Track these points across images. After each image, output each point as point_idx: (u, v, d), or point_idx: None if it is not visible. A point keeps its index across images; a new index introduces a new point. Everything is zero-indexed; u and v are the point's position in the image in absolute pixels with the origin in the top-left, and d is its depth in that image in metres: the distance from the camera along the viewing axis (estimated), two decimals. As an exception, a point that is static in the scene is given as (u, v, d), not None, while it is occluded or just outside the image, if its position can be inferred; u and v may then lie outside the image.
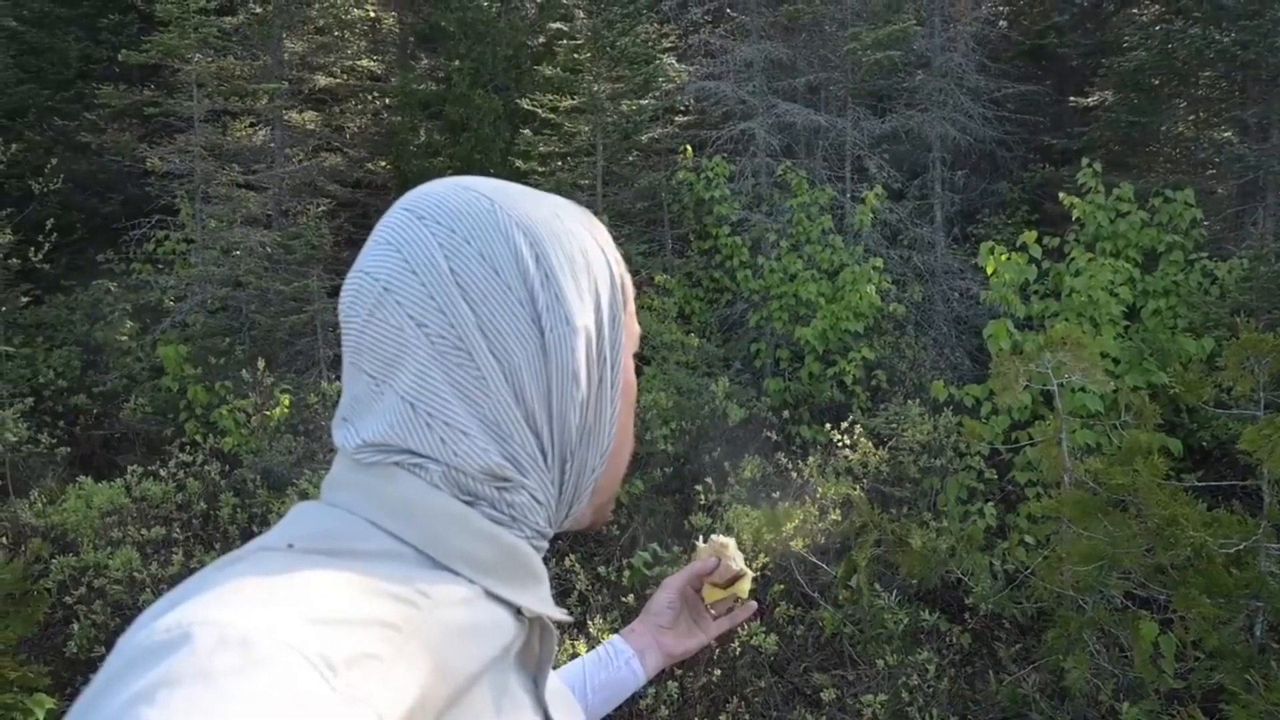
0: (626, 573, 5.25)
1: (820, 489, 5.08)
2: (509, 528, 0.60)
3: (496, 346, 0.58)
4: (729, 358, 8.31)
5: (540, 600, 0.62)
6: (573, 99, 8.71)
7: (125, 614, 4.32)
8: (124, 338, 9.28)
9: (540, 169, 8.65)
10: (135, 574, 4.31)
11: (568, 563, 4.88)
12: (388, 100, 12.19)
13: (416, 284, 0.58)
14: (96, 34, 11.12)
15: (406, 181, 10.94)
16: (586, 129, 8.57)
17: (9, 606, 3.78)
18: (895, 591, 4.52)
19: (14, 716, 3.49)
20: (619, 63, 8.55)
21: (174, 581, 4.24)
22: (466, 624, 0.55)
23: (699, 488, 5.25)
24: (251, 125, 10.75)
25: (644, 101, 8.77)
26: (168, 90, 9.32)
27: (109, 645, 4.23)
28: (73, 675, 4.22)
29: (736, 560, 1.05)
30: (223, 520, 5.37)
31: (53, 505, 5.06)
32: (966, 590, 4.54)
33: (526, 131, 8.72)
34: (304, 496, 5.40)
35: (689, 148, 8.92)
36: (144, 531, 4.92)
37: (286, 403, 6.97)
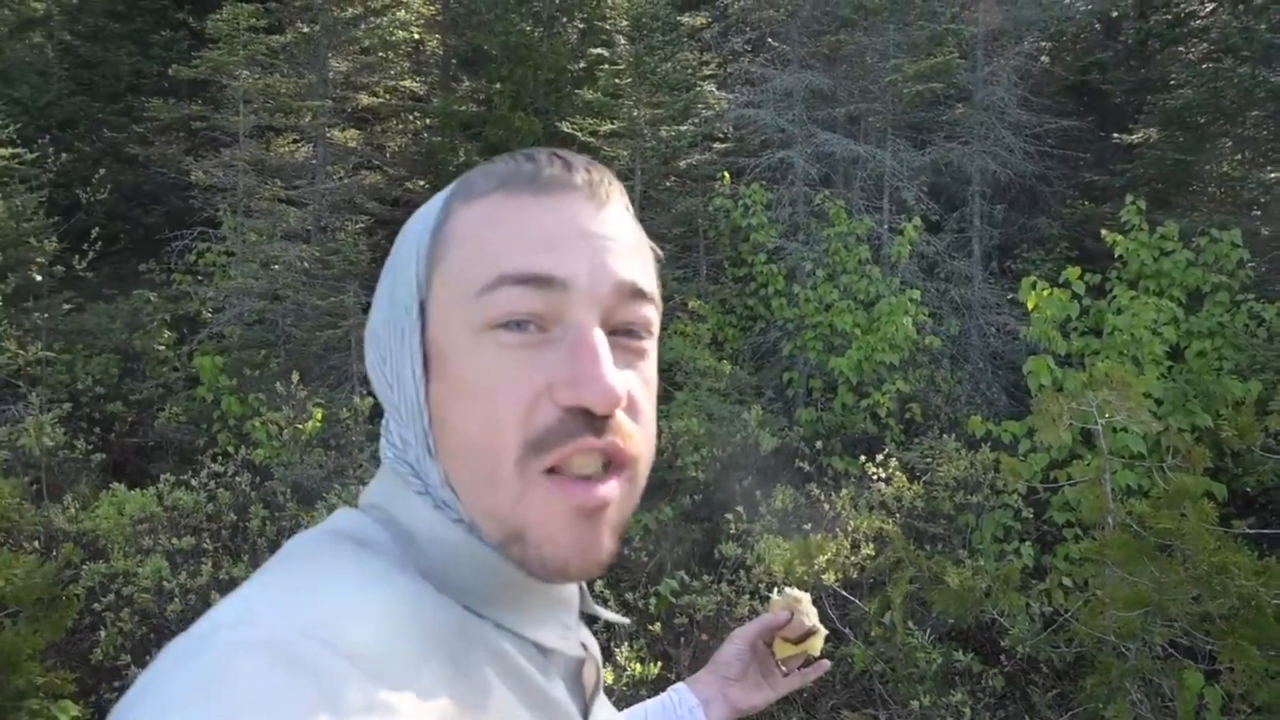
0: (653, 600, 5.19)
1: (853, 522, 4.99)
2: (492, 550, 0.55)
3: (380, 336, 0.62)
4: (761, 386, 8.25)
5: (544, 628, 0.58)
6: (612, 123, 8.77)
7: (152, 622, 4.33)
8: (161, 347, 9.43)
9: (577, 192, 8.70)
10: (164, 583, 4.32)
11: (595, 588, 4.82)
12: (428, 120, 12.35)
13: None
14: (148, 49, 11.41)
15: (443, 201, 11.05)
16: (625, 153, 8.61)
17: (39, 611, 3.80)
18: (929, 630, 4.41)
19: (39, 721, 3.49)
20: (659, 89, 8.60)
21: (201, 592, 4.24)
22: (489, 652, 0.53)
23: (729, 516, 5.18)
24: (295, 142, 10.94)
25: (683, 128, 8.80)
26: (215, 105, 9.52)
27: (135, 653, 4.25)
28: (98, 682, 4.22)
29: (810, 616, 1.02)
30: (252, 532, 5.38)
31: (85, 511, 5.11)
32: (1001, 631, 4.41)
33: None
34: (331, 511, 5.41)
35: (727, 174, 8.94)
36: (174, 541, 4.95)
37: (319, 416, 7.00)
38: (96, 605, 4.32)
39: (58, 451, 5.96)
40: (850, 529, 4.92)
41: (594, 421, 0.52)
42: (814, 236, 8.55)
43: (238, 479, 5.91)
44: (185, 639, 0.44)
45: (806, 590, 3.74)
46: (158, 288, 9.27)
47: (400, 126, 12.54)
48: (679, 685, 1.02)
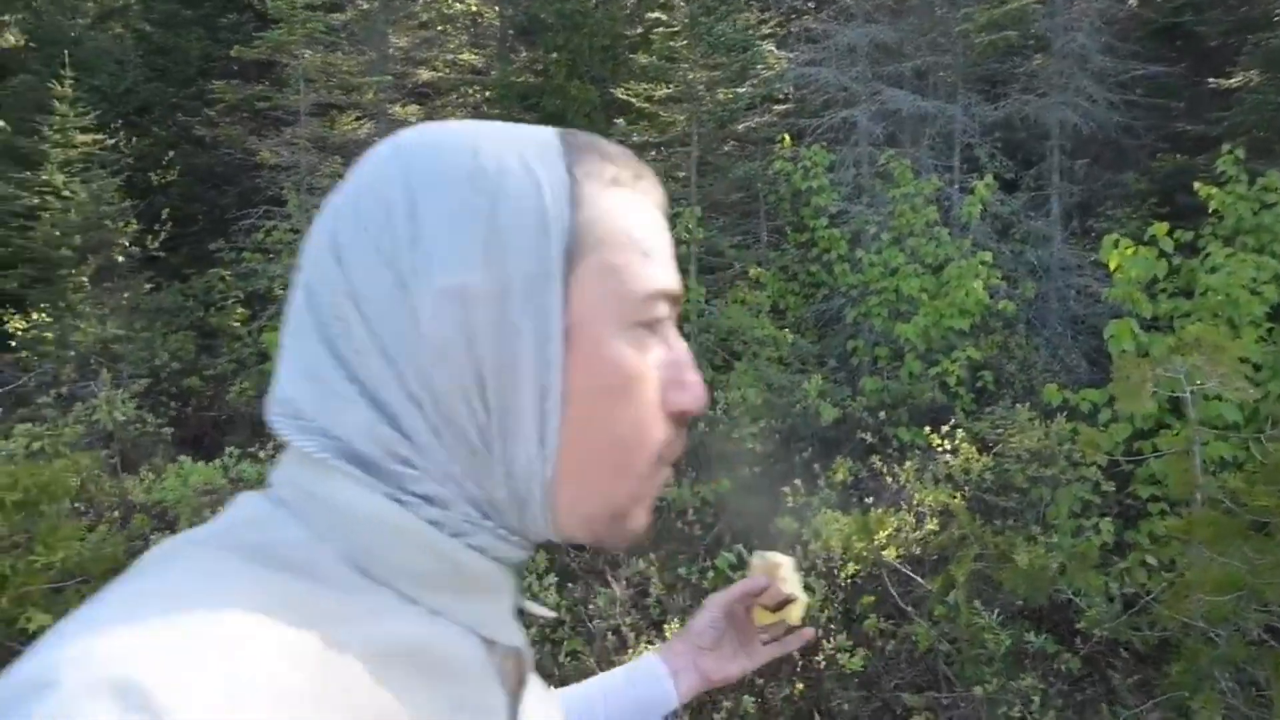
0: (710, 574, 5.09)
1: (917, 496, 4.78)
2: (439, 526, 0.52)
3: (367, 314, 0.51)
4: (824, 354, 8.01)
5: (492, 620, 0.54)
6: (668, 88, 8.56)
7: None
8: (236, 324, 9.72)
9: (634, 159, 8.56)
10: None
11: (642, 564, 4.74)
12: (487, 93, 12.33)
13: (312, 248, 0.54)
14: (216, 33, 11.64)
15: (503, 173, 11.04)
16: (682, 118, 8.41)
17: (109, 581, 3.92)
18: (997, 609, 4.19)
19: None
20: (716, 50, 8.34)
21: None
22: (407, 643, 0.49)
23: (786, 490, 5.02)
24: (357, 119, 11.06)
25: (741, 90, 8.54)
26: (278, 85, 9.66)
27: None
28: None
29: (790, 582, 0.95)
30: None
31: (156, 483, 5.26)
32: (1078, 612, 4.16)
33: (620, 121, 8.61)
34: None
35: (787, 137, 8.64)
36: (239, 511, 5.06)
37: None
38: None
39: (129, 426, 6.16)
40: (914, 503, 4.71)
41: (685, 424, 0.57)
42: (879, 199, 8.21)
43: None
44: None
45: (867, 563, 3.56)
46: (229, 266, 9.52)
47: (460, 100, 12.55)
48: (649, 654, 0.97)
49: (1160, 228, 5.56)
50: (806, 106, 9.07)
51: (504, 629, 0.55)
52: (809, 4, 10.04)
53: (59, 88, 9.55)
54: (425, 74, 12.04)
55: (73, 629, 0.40)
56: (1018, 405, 5.82)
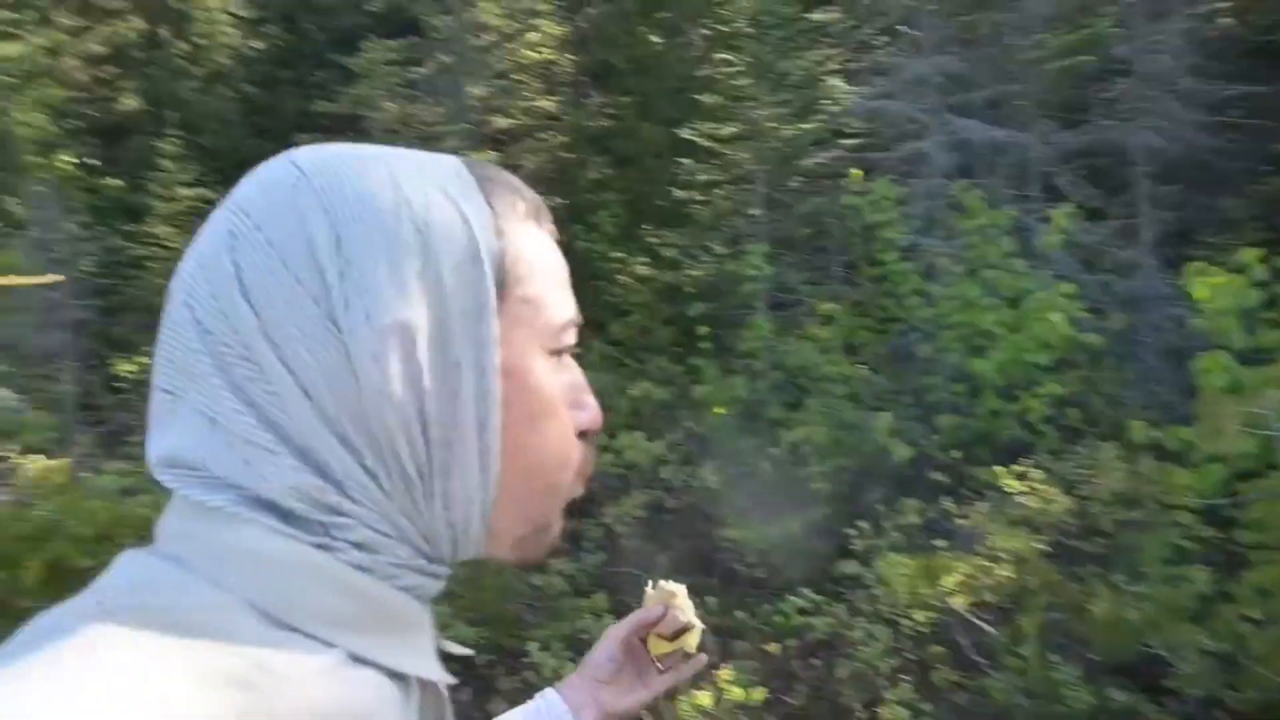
0: (778, 618, 4.94)
1: (992, 539, 4.54)
2: (367, 572, 0.50)
3: (286, 354, 0.48)
4: (899, 391, 7.78)
5: (419, 657, 0.53)
6: (734, 126, 8.59)
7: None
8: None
9: (700, 197, 8.58)
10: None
11: (705, 605, 4.64)
12: (561, 138, 12.62)
13: (204, 282, 0.50)
14: (308, 90, 12.31)
15: (577, 216, 11.26)
16: (746, 155, 8.40)
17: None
18: (1079, 663, 3.92)
19: None
20: (781, 87, 8.34)
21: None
22: (327, 704, 0.47)
23: (851, 531, 4.86)
24: (437, 167, 11.47)
25: (807, 125, 8.49)
26: (361, 137, 10.10)
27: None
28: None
29: (686, 610, 0.98)
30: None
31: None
32: (1169, 669, 3.86)
33: (687, 160, 8.67)
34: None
35: (856, 171, 8.52)
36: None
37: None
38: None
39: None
40: (989, 547, 4.48)
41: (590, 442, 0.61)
42: (952, 231, 8.00)
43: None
44: None
45: (935, 611, 3.40)
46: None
47: (535, 145, 12.88)
48: (548, 690, 0.97)
49: (1251, 253, 5.21)
50: (876, 140, 8.95)
51: (427, 665, 0.54)
52: (878, 38, 9.96)
53: (167, 146, 10.23)
54: (501, 121, 12.42)
55: None
56: (1104, 444, 5.50)
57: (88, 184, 11.74)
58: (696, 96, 9.07)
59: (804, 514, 5.58)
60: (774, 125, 8.38)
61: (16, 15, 13.58)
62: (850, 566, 4.54)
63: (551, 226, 0.60)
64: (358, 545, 0.50)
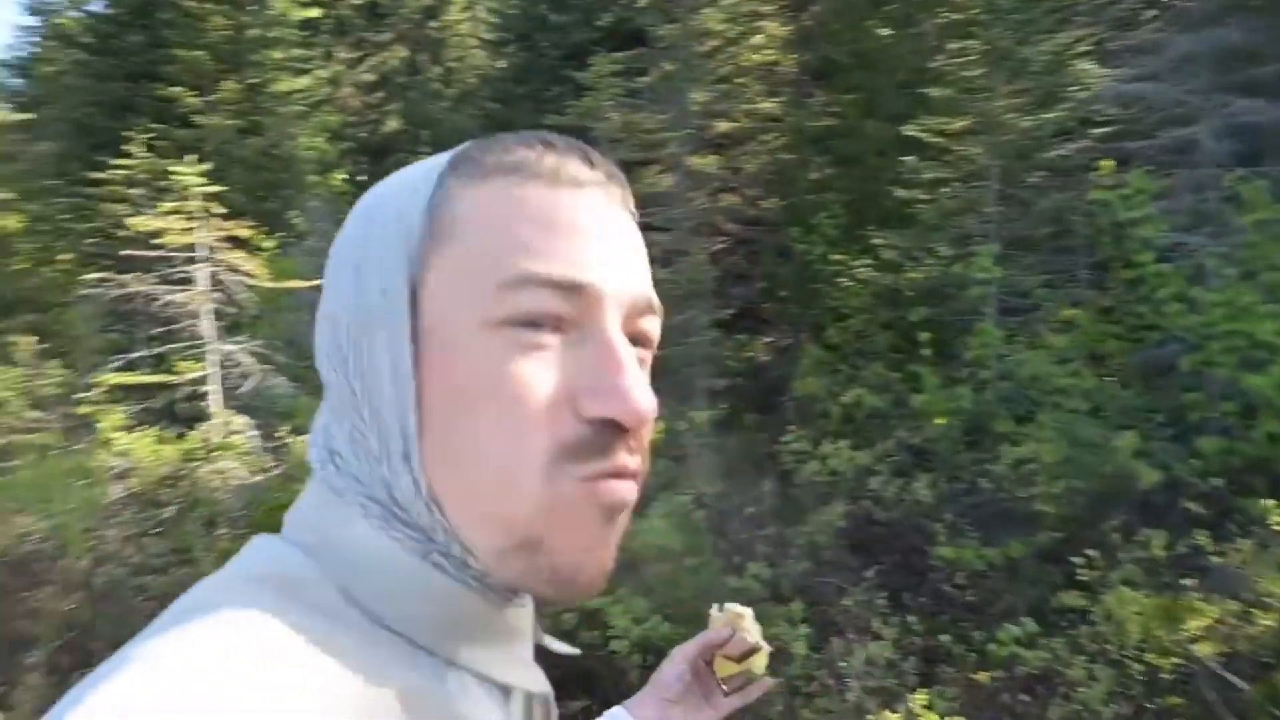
0: (992, 646, 4.59)
1: (1257, 583, 3.92)
2: (460, 580, 0.50)
3: (315, 348, 0.56)
4: (1150, 408, 6.93)
5: (516, 666, 0.53)
6: (965, 120, 8.07)
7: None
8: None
9: (925, 197, 8.14)
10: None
11: (892, 630, 4.39)
12: (782, 139, 12.49)
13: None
14: (543, 105, 13.09)
15: (797, 218, 11.08)
16: (979, 150, 7.87)
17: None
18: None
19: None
20: (1021, 75, 7.72)
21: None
22: (422, 710, 0.47)
23: (1078, 560, 4.40)
24: (658, 173, 11.77)
25: (1049, 115, 7.80)
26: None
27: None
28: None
29: (753, 633, 0.98)
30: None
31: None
32: None
33: (911, 158, 8.27)
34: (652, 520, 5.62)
35: (1107, 162, 7.69)
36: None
37: (660, 428, 7.39)
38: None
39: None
40: (1253, 591, 3.87)
41: (621, 435, 0.49)
42: (1224, 227, 7.00)
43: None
44: None
45: (1174, 657, 3.02)
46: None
47: (757, 148, 12.83)
48: (615, 709, 0.97)
49: None
50: (1132, 128, 8.03)
51: (522, 674, 0.53)
52: (1141, 13, 8.93)
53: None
54: (723, 125, 12.50)
55: (96, 690, 0.39)
56: None
57: (356, 198, 13.29)
58: (924, 90, 8.62)
59: (1026, 537, 5.13)
60: (1011, 116, 7.77)
61: (309, 52, 15.63)
62: (1074, 598, 4.10)
63: (581, 176, 0.51)
64: (410, 517, 0.50)
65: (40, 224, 11.13)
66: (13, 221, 11.81)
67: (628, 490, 0.50)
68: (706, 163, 12.07)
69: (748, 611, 1.00)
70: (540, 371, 0.48)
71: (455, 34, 16.73)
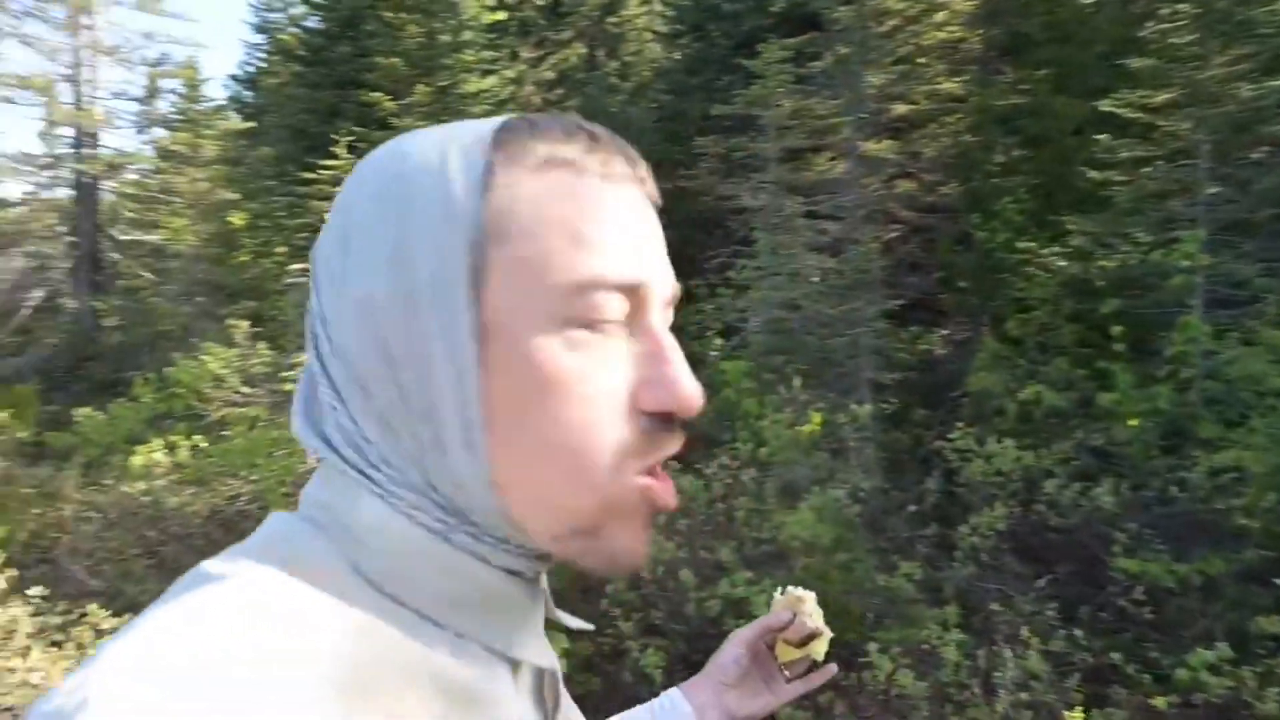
0: (1181, 671, 4.17)
1: None
2: (474, 553, 0.52)
3: (331, 327, 0.52)
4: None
5: (526, 640, 0.54)
6: (1172, 91, 7.30)
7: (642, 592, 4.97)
8: (714, 353, 10.79)
9: (1121, 178, 7.45)
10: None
11: (1057, 643, 4.07)
12: (966, 121, 11.80)
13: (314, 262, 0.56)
14: (713, 94, 13.08)
15: (978, 203, 10.46)
16: (1186, 125, 7.10)
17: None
18: None
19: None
20: (1241, 39, 6.88)
21: (672, 565, 4.73)
22: (432, 679, 0.48)
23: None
24: (831, 159, 11.48)
25: (1277, 83, 6.91)
26: (752, 134, 10.53)
27: (625, 608, 4.91)
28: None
29: (814, 617, 0.97)
30: (738, 521, 5.80)
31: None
32: None
33: (1104, 136, 7.60)
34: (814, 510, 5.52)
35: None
36: (681, 522, 5.61)
37: (818, 420, 7.22)
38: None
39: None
40: None
41: (672, 424, 0.53)
42: None
43: (741, 473, 6.45)
44: None
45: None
46: (703, 300, 10.61)
47: (937, 130, 12.20)
48: (672, 690, 0.96)
49: None
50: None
51: (531, 648, 0.54)
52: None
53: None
54: (901, 108, 11.99)
55: (108, 660, 0.40)
56: None
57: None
58: (1125, 62, 7.87)
59: (1223, 554, 4.61)
60: (1229, 86, 6.95)
61: (495, 54, 16.46)
62: (1276, 625, 3.64)
63: (626, 172, 0.53)
64: (463, 525, 0.51)
65: (260, 220, 12.46)
66: (239, 219, 13.29)
67: (673, 496, 0.54)
68: (881, 148, 11.63)
69: (810, 595, 0.99)
70: (603, 368, 0.51)
71: (633, 28, 17.04)
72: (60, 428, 9.04)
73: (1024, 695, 3.53)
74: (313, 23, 13.92)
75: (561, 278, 0.49)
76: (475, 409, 0.49)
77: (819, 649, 0.97)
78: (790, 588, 1.00)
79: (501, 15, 15.56)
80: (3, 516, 5.60)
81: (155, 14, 18.73)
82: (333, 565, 0.48)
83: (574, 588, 5.43)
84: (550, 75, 15.82)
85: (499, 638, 0.52)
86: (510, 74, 16.19)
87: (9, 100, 17.42)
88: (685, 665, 4.37)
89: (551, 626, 0.62)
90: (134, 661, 0.40)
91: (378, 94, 11.49)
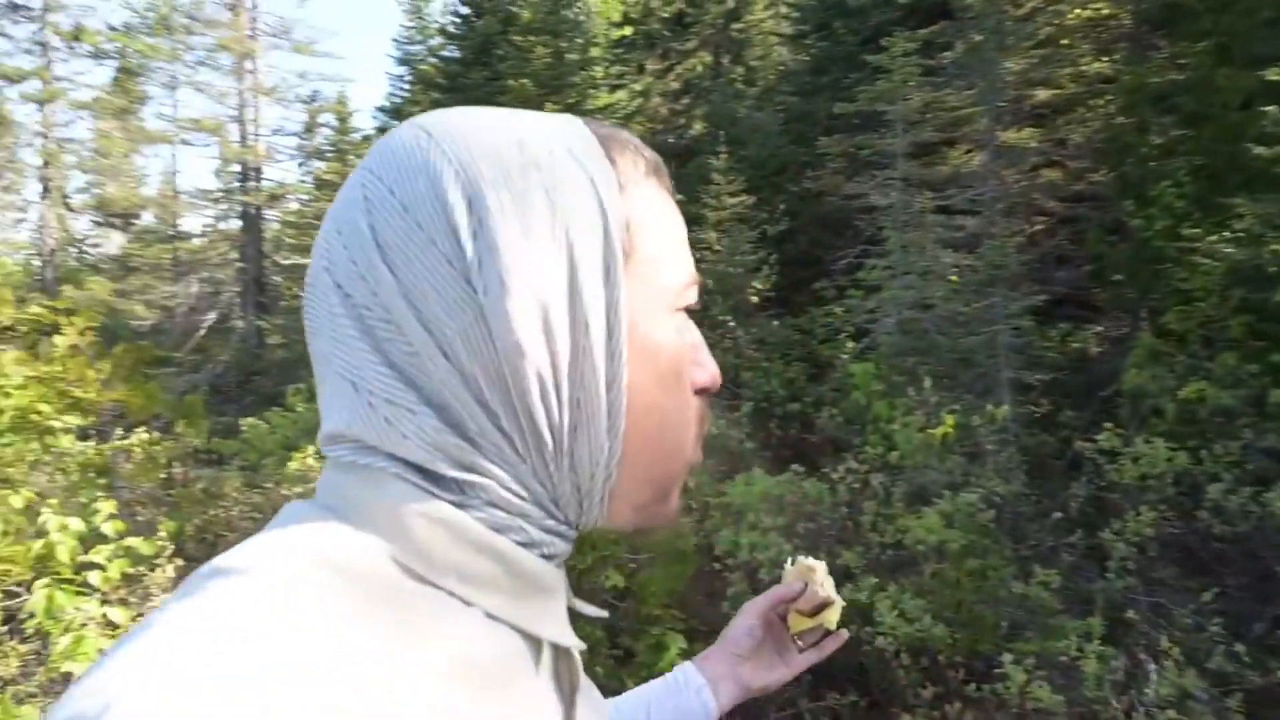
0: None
1: None
2: (504, 533, 0.52)
3: (425, 315, 0.49)
4: None
5: (552, 621, 0.54)
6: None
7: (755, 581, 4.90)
8: (845, 356, 10.52)
9: (1294, 152, 6.73)
10: (757, 555, 4.86)
11: (1236, 655, 3.68)
12: (1117, 102, 11.00)
13: (340, 248, 0.52)
14: (839, 93, 12.80)
15: (1129, 190, 9.72)
16: (1373, 88, 6.35)
17: (670, 561, 4.68)
18: None
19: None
20: None
21: (771, 566, 4.62)
22: (460, 659, 0.48)
23: None
24: (966, 151, 10.98)
25: None
26: (880, 130, 10.21)
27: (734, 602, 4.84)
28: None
29: (825, 586, 0.97)
30: (864, 526, 5.62)
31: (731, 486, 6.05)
32: None
33: (1274, 108, 6.91)
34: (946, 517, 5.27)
35: None
36: (802, 525, 5.49)
37: (950, 423, 6.89)
38: (716, 565, 5.08)
39: (719, 439, 7.16)
40: None
41: (709, 400, 0.61)
42: None
43: (871, 477, 6.24)
44: None
45: None
46: (831, 302, 10.36)
47: (1084, 114, 11.43)
48: (686, 664, 0.96)
49: None
50: None
51: (560, 630, 0.55)
52: None
53: (717, 161, 11.67)
54: (1042, 94, 11.34)
55: (129, 660, 0.40)
56: None
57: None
58: (1298, 23, 7.14)
59: None
60: None
61: (623, 69, 16.77)
62: None
63: (669, 183, 0.60)
64: (493, 505, 0.51)
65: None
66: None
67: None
68: (1022, 137, 11.02)
69: (820, 565, 0.99)
70: (689, 353, 0.59)
71: (758, 32, 16.94)
72: (231, 437, 9.88)
73: (1172, 714, 3.22)
74: (450, 52, 14.66)
75: (677, 275, 0.57)
76: (621, 394, 0.53)
77: (831, 618, 0.97)
78: (800, 557, 1.00)
79: (627, 30, 15.82)
80: (176, 514, 6.17)
81: (308, 55, 20.28)
82: (361, 554, 0.48)
83: (696, 590, 5.42)
84: (676, 86, 15.94)
85: (530, 619, 0.52)
86: (638, 87, 16.44)
87: (186, 142, 19.33)
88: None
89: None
90: (153, 662, 0.39)
91: (508, 115, 11.91)
